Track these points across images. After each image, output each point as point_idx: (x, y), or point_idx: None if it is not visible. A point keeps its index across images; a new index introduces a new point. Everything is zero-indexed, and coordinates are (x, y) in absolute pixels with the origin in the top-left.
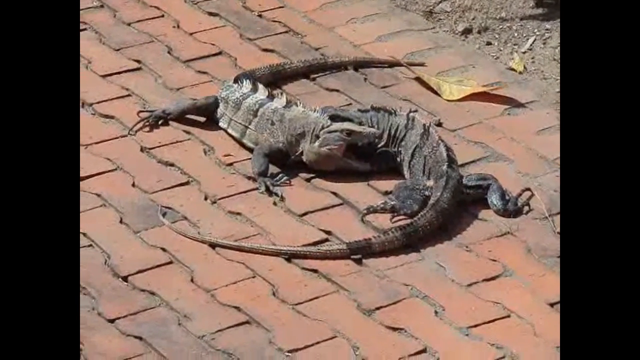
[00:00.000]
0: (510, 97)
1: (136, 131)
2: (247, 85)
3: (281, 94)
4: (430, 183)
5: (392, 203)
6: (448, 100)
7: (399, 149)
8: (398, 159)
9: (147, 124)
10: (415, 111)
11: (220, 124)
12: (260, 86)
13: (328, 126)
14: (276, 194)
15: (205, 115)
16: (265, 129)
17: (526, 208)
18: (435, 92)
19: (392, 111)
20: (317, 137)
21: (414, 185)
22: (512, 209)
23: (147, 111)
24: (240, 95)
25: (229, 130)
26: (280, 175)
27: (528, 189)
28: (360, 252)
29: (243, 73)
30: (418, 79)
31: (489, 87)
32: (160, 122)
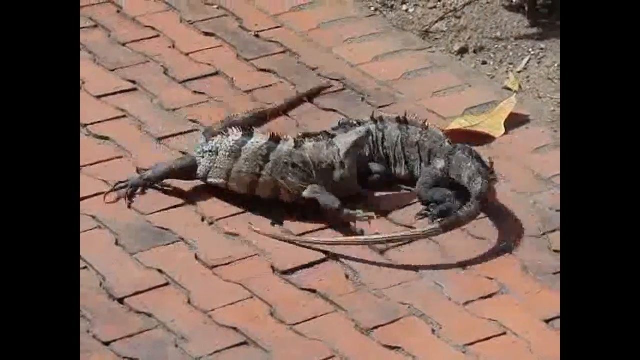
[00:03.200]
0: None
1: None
2: (235, 132)
3: (285, 136)
4: (441, 164)
5: (436, 210)
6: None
7: (385, 152)
8: (391, 167)
9: (127, 194)
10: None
11: (211, 180)
12: (255, 129)
13: (337, 149)
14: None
15: (186, 177)
16: (287, 174)
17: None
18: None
19: (358, 122)
20: (342, 163)
21: (430, 178)
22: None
23: (122, 182)
24: (235, 143)
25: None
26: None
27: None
28: (452, 227)
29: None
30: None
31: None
32: (138, 191)
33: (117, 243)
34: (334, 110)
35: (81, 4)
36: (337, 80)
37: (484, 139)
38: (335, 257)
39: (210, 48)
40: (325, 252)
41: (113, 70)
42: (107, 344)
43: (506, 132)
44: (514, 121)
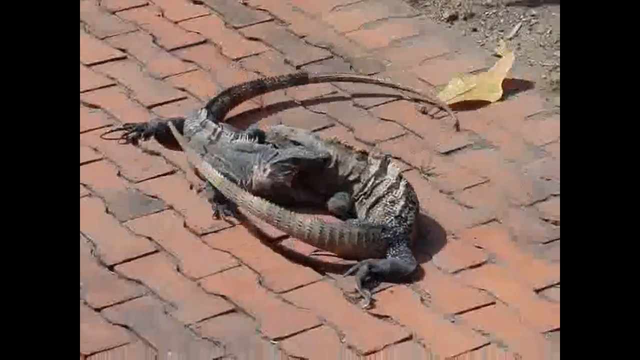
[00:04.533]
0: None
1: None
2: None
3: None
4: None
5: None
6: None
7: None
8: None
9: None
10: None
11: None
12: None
13: (275, 155)
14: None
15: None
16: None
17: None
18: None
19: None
20: (265, 169)
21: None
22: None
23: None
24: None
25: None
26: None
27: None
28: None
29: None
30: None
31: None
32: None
33: (107, 211)
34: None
35: None
36: (325, 47)
37: (478, 104)
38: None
39: (198, 16)
40: None
41: (103, 39)
42: (97, 310)
43: (503, 97)
44: (506, 88)
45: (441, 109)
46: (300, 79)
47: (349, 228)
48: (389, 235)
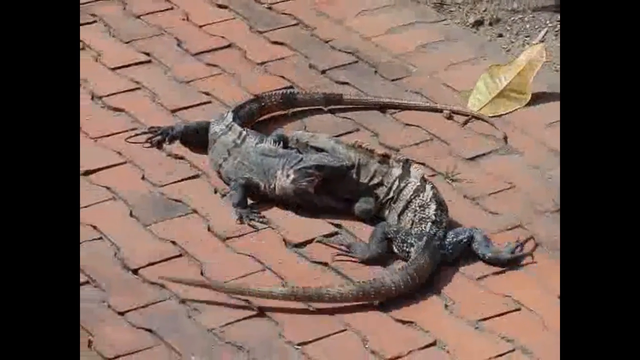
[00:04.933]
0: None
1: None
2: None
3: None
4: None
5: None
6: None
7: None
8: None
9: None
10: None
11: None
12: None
13: (299, 161)
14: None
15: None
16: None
17: (520, 253)
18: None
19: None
20: (289, 174)
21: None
22: (505, 257)
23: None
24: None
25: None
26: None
27: (532, 238)
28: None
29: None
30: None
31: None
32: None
33: (131, 214)
34: (347, 83)
35: None
36: (350, 53)
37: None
38: (347, 229)
39: (223, 20)
40: (337, 226)
41: (128, 42)
42: (121, 314)
43: (531, 100)
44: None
45: (493, 125)
46: (335, 101)
47: (419, 258)
48: (438, 243)
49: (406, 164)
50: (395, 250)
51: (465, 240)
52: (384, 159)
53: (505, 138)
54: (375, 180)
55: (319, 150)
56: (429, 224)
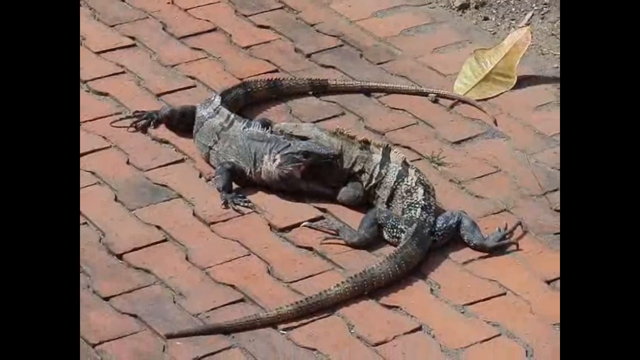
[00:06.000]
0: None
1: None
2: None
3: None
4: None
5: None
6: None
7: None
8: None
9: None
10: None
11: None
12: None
13: (287, 146)
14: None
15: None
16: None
17: (507, 241)
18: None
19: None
20: (275, 159)
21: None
22: (490, 245)
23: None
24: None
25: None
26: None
27: (519, 224)
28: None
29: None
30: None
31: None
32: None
33: (116, 199)
34: (333, 67)
35: None
36: (336, 36)
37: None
38: (332, 213)
39: (208, 4)
40: (322, 210)
41: (112, 26)
42: (106, 299)
43: (517, 83)
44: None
45: (481, 109)
46: (320, 87)
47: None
48: (428, 230)
49: (386, 149)
50: (386, 236)
51: (454, 225)
52: (365, 145)
53: (495, 121)
54: (357, 167)
55: (304, 139)
56: (419, 209)
